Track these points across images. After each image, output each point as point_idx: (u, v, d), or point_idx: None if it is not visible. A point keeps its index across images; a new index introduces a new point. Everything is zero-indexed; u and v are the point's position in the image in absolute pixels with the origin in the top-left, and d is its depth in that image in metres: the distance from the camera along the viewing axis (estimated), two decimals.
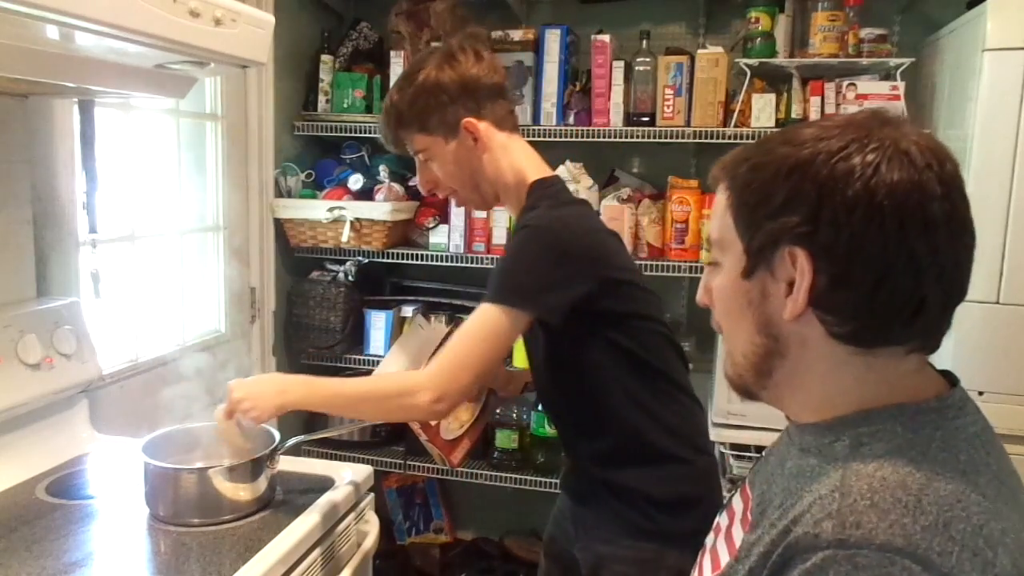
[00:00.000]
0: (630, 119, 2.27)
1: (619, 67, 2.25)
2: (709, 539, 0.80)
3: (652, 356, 1.27)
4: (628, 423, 1.27)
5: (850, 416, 0.67)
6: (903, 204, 0.62)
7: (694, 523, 1.02)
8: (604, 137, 2.25)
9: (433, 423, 1.39)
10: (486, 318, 1.18)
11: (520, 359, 2.32)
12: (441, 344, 1.36)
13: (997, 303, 1.90)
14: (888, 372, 0.68)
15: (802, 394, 0.71)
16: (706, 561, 0.76)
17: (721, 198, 0.73)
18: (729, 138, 2.17)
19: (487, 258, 2.37)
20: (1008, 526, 0.59)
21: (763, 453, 0.84)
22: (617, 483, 1.29)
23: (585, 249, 1.22)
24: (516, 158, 1.33)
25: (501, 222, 2.35)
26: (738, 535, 0.71)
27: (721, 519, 0.80)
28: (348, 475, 1.38)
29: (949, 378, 0.71)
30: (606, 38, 2.25)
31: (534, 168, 1.34)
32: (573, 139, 2.28)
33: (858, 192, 0.62)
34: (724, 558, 0.72)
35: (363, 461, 1.49)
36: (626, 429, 1.27)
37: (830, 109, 2.15)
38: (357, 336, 2.48)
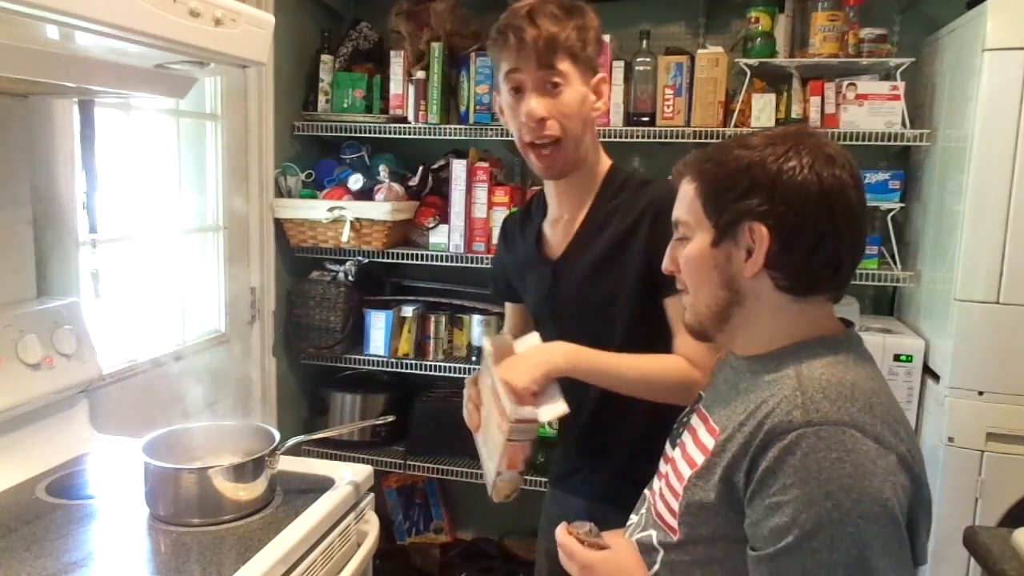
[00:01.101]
0: (630, 119, 2.27)
1: (619, 67, 2.25)
2: (676, 453, 0.99)
3: None
4: (656, 417, 1.23)
5: (789, 347, 0.91)
6: (830, 191, 0.86)
7: None
8: (604, 137, 2.25)
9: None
10: None
11: None
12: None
13: (997, 303, 1.90)
14: (814, 314, 0.92)
15: (751, 333, 0.94)
16: (681, 465, 0.96)
17: (689, 188, 0.94)
18: (729, 138, 2.16)
19: (487, 258, 2.37)
20: (900, 414, 0.87)
21: (706, 386, 1.07)
22: (637, 474, 1.26)
23: None
24: (595, 136, 1.33)
25: (501, 222, 2.34)
26: (708, 441, 0.93)
27: (684, 438, 1.00)
28: (348, 475, 1.38)
29: (847, 323, 0.97)
30: (606, 38, 2.25)
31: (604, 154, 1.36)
32: None
33: (799, 182, 0.86)
34: (699, 458, 0.92)
35: (363, 461, 1.49)
36: (653, 423, 1.23)
37: (830, 109, 2.15)
38: (357, 336, 2.48)
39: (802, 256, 0.87)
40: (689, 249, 0.94)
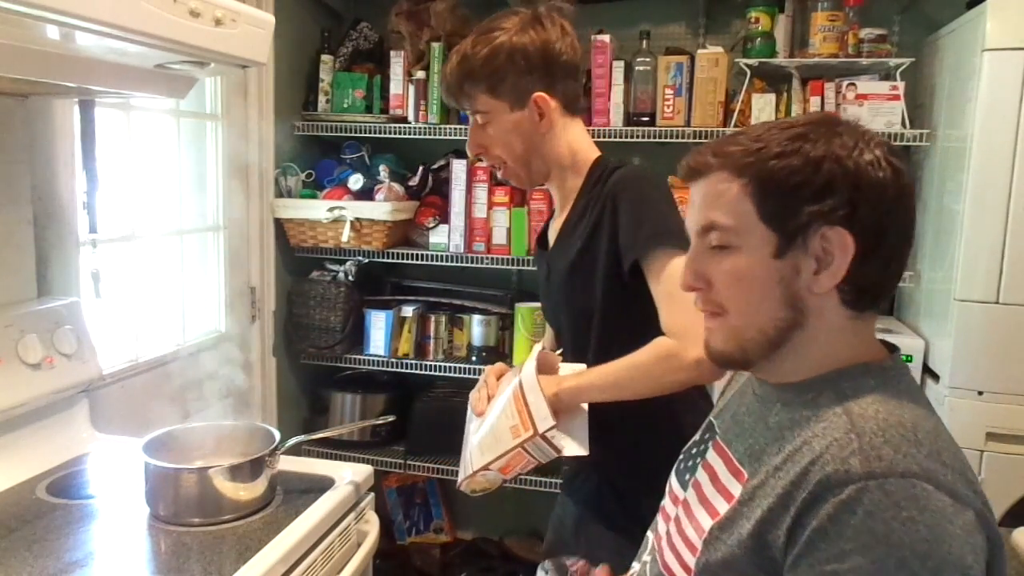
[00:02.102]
0: (630, 119, 2.27)
1: (619, 67, 2.25)
2: (689, 494, 0.86)
3: None
4: (654, 428, 1.24)
5: (825, 374, 0.77)
6: (908, 187, 0.75)
7: None
8: (604, 137, 2.25)
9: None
10: (677, 268, 1.10)
11: (522, 353, 2.32)
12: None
13: (997, 303, 1.90)
14: (864, 334, 0.80)
15: (802, 358, 0.79)
16: (699, 513, 0.82)
17: (730, 187, 0.77)
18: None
19: (487, 258, 2.37)
20: (963, 455, 0.73)
21: (717, 412, 0.93)
22: (621, 487, 1.28)
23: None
24: (573, 138, 1.33)
25: (501, 222, 2.35)
26: (732, 485, 0.79)
27: (700, 476, 0.86)
28: (348, 475, 1.38)
29: (888, 347, 0.83)
30: (606, 38, 2.25)
31: (591, 149, 1.34)
32: None
33: (881, 179, 0.74)
34: (722, 506, 0.79)
35: (363, 461, 1.49)
36: (651, 434, 1.24)
37: (830, 109, 2.15)
38: (357, 336, 2.48)
39: (880, 265, 0.75)
40: (740, 262, 0.77)
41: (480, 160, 1.41)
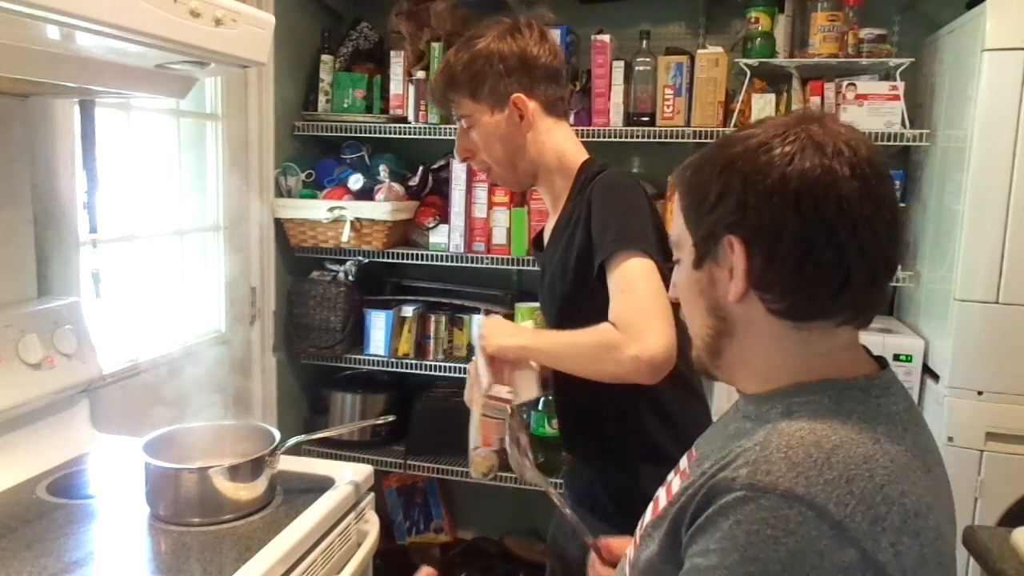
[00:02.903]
0: (630, 119, 2.27)
1: (619, 67, 2.25)
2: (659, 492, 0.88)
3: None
4: (639, 422, 1.25)
5: (786, 388, 0.75)
6: (814, 187, 0.69)
7: None
8: (604, 137, 2.25)
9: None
10: (634, 269, 1.15)
11: None
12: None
13: (997, 303, 1.90)
14: (820, 346, 0.75)
15: (748, 369, 0.79)
16: (649, 509, 0.85)
17: (677, 202, 0.82)
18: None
19: (487, 258, 2.37)
20: (909, 489, 0.67)
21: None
22: (613, 483, 1.29)
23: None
24: (559, 141, 1.33)
25: (501, 222, 2.35)
26: (676, 485, 0.80)
27: (669, 477, 0.88)
28: (348, 475, 1.38)
29: (882, 363, 0.79)
30: (606, 38, 2.25)
31: (578, 151, 1.34)
32: None
33: (775, 180, 0.70)
34: (663, 504, 0.80)
35: (363, 461, 1.49)
36: (636, 428, 1.26)
37: (830, 110, 2.15)
38: (357, 336, 2.49)
39: (790, 271, 0.71)
40: (679, 274, 0.82)
41: (470, 163, 1.43)
